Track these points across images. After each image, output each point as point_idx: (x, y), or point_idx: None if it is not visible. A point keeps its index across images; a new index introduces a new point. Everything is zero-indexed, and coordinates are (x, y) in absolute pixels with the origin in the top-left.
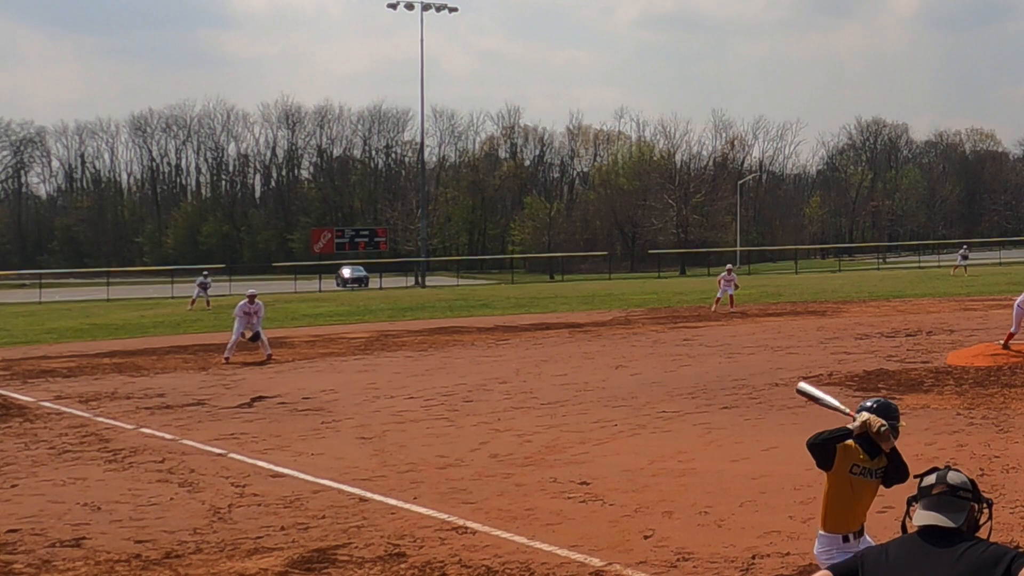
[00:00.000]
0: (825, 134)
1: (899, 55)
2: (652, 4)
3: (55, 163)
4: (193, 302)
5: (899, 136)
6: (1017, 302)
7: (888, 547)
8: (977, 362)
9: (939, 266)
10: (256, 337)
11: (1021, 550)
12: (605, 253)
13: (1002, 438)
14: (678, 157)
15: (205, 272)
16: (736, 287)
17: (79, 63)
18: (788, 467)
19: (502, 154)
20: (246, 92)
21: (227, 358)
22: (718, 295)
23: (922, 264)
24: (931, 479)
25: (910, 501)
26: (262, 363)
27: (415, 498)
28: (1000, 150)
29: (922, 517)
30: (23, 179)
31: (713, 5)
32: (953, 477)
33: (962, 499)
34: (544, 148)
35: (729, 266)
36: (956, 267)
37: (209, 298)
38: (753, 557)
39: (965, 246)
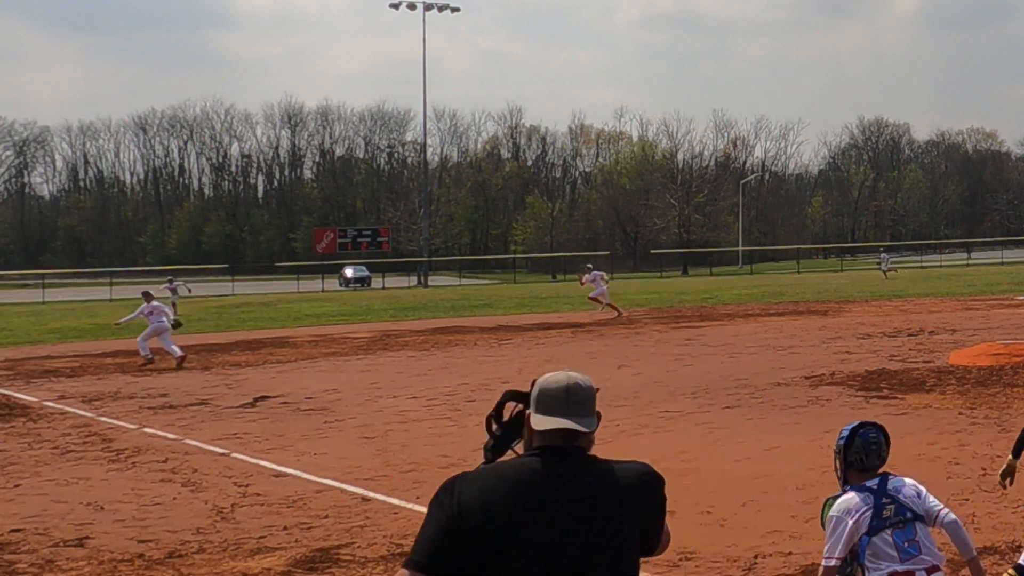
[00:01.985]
0: (827, 134)
1: (900, 55)
2: (653, 4)
3: (58, 163)
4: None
5: (901, 136)
6: None
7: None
8: (979, 362)
9: (941, 266)
10: (177, 326)
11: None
12: (607, 253)
13: (1004, 437)
14: (680, 157)
15: (171, 278)
16: (606, 283)
17: (83, 63)
18: (790, 467)
19: (504, 154)
20: (248, 92)
21: (148, 358)
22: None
23: (924, 264)
24: (556, 377)
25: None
26: (175, 368)
27: (418, 498)
28: (1002, 150)
29: (548, 422)
30: (26, 179)
31: (714, 5)
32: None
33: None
34: (546, 148)
35: (589, 265)
36: (887, 271)
37: (176, 300)
38: (756, 557)
39: (883, 250)
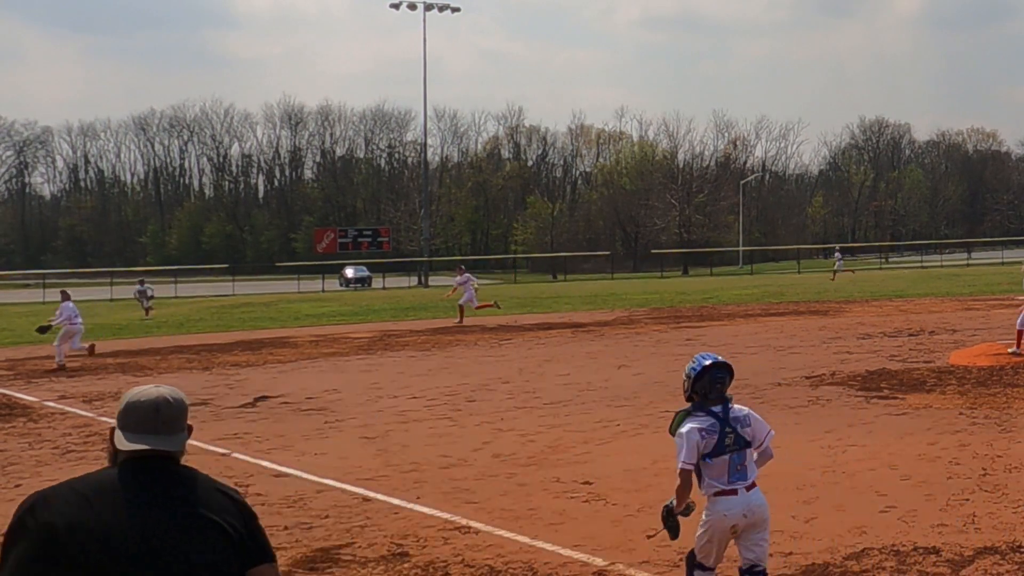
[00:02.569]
0: (827, 134)
1: (901, 55)
2: (653, 4)
3: (59, 163)
4: (148, 311)
5: (901, 136)
6: None
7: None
8: (980, 362)
9: (941, 266)
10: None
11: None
12: (608, 253)
13: (1005, 438)
14: (680, 157)
15: (142, 279)
16: (475, 288)
17: (83, 63)
18: (790, 467)
19: (505, 154)
20: (248, 92)
21: (60, 364)
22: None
23: (924, 264)
24: (145, 392)
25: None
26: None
27: (418, 498)
28: (1002, 150)
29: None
30: (27, 179)
31: (714, 5)
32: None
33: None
34: (546, 148)
35: (462, 267)
36: (837, 271)
37: (148, 306)
38: None
39: (837, 249)
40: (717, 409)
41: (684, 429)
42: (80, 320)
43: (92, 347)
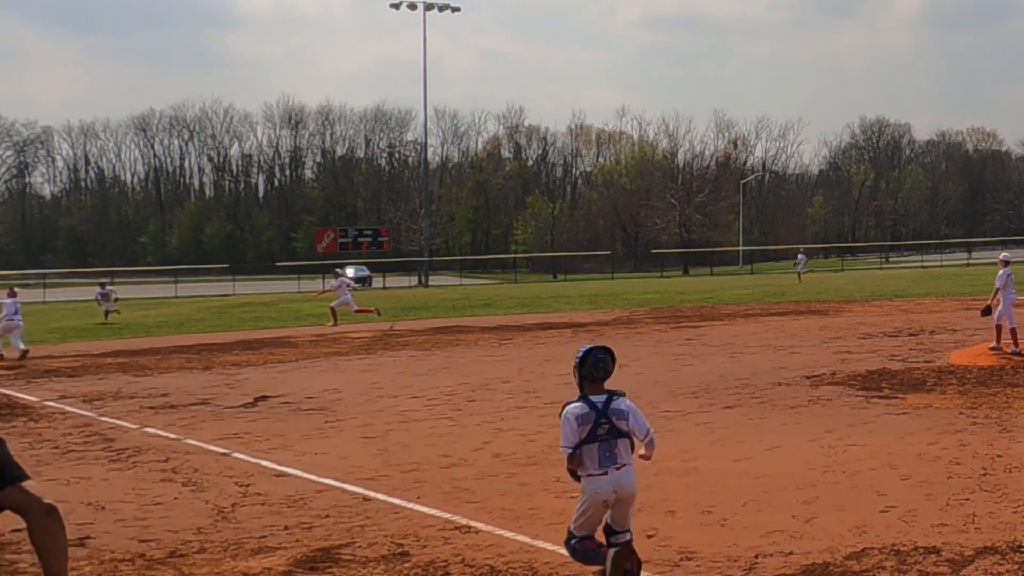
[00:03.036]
0: (827, 134)
1: (901, 55)
2: (653, 4)
3: (59, 163)
4: (107, 314)
5: (902, 136)
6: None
7: None
8: (980, 361)
9: (941, 266)
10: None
11: None
12: (608, 253)
13: (1005, 437)
14: (680, 157)
15: (103, 283)
16: (350, 291)
17: (84, 63)
18: (791, 466)
19: (505, 154)
20: (249, 92)
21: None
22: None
23: (925, 264)
24: None
25: None
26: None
27: (418, 497)
28: (1002, 149)
29: None
30: (27, 179)
31: (714, 6)
32: None
33: None
34: (547, 148)
35: (338, 270)
36: (802, 272)
37: (110, 310)
38: (756, 556)
39: (801, 250)
40: (598, 400)
41: (564, 414)
42: (19, 318)
43: (26, 352)
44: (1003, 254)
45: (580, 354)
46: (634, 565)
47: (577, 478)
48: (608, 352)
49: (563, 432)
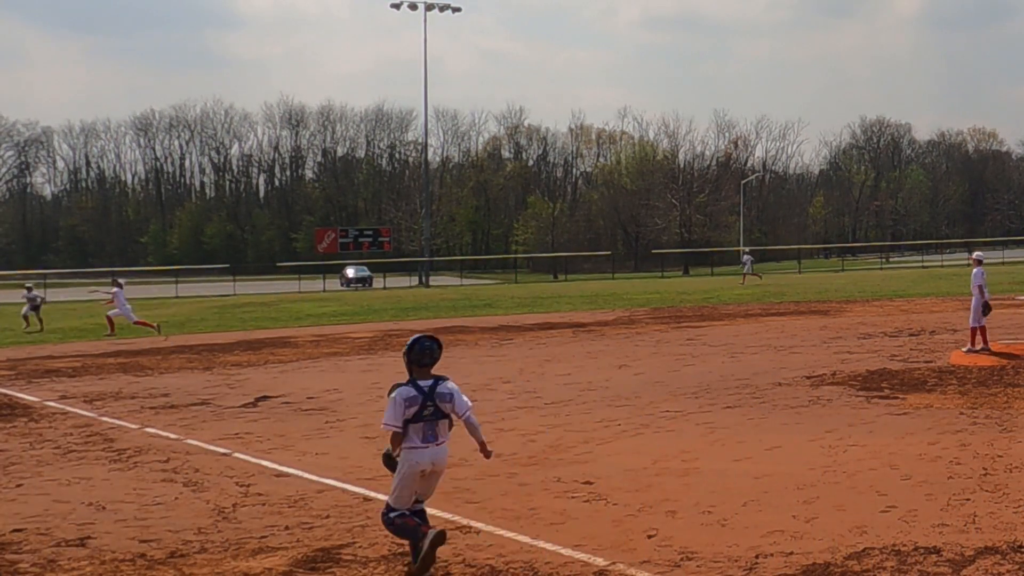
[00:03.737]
0: (828, 134)
1: (901, 55)
2: (653, 4)
3: (60, 163)
4: (26, 320)
5: (902, 136)
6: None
7: None
8: (980, 362)
9: (942, 266)
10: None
11: None
12: (608, 253)
13: (1005, 437)
14: (681, 157)
15: (29, 285)
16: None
17: (85, 64)
18: (791, 466)
19: (505, 154)
20: (249, 92)
21: None
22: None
23: (925, 264)
24: None
25: None
26: None
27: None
28: (1003, 149)
29: None
30: (28, 179)
31: (714, 6)
32: None
33: None
34: (547, 148)
35: (118, 279)
36: (744, 275)
37: (27, 314)
38: (756, 556)
39: (746, 251)
40: (425, 384)
41: (393, 396)
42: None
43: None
44: (976, 253)
45: (409, 342)
46: (425, 531)
47: (390, 461)
48: (435, 340)
49: (390, 411)
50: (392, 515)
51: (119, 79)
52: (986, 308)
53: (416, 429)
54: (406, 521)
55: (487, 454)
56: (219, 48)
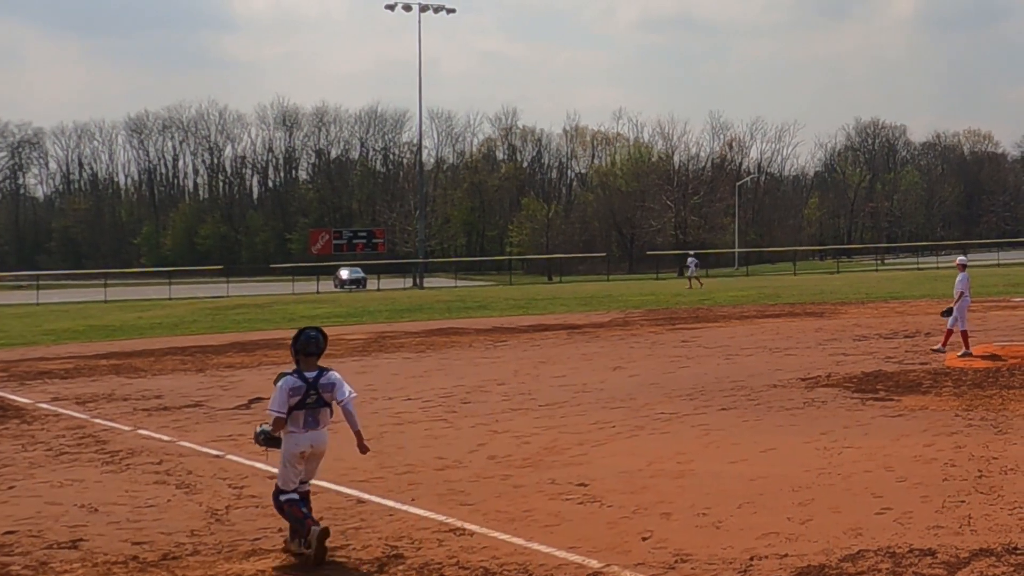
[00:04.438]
0: (823, 135)
1: (897, 57)
2: (651, 6)
3: (52, 164)
4: None
5: (897, 137)
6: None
7: None
8: (975, 364)
9: (937, 267)
10: None
11: None
12: (603, 254)
13: (1000, 439)
14: (676, 158)
15: None
16: None
17: (82, 65)
18: (786, 468)
19: (500, 155)
20: (244, 94)
21: None
22: None
23: (921, 265)
24: None
25: None
26: None
27: (413, 500)
28: (998, 151)
29: None
30: (21, 180)
31: (712, 7)
32: None
33: None
34: (542, 149)
35: None
36: (690, 279)
37: None
38: (751, 559)
39: (691, 254)
40: (310, 374)
41: (279, 384)
42: None
43: None
44: (960, 258)
45: (295, 333)
46: (308, 510)
47: (272, 442)
48: (320, 331)
49: (275, 398)
50: (282, 498)
51: (116, 80)
52: (948, 311)
53: (299, 416)
54: (294, 511)
55: (363, 449)
56: (216, 50)
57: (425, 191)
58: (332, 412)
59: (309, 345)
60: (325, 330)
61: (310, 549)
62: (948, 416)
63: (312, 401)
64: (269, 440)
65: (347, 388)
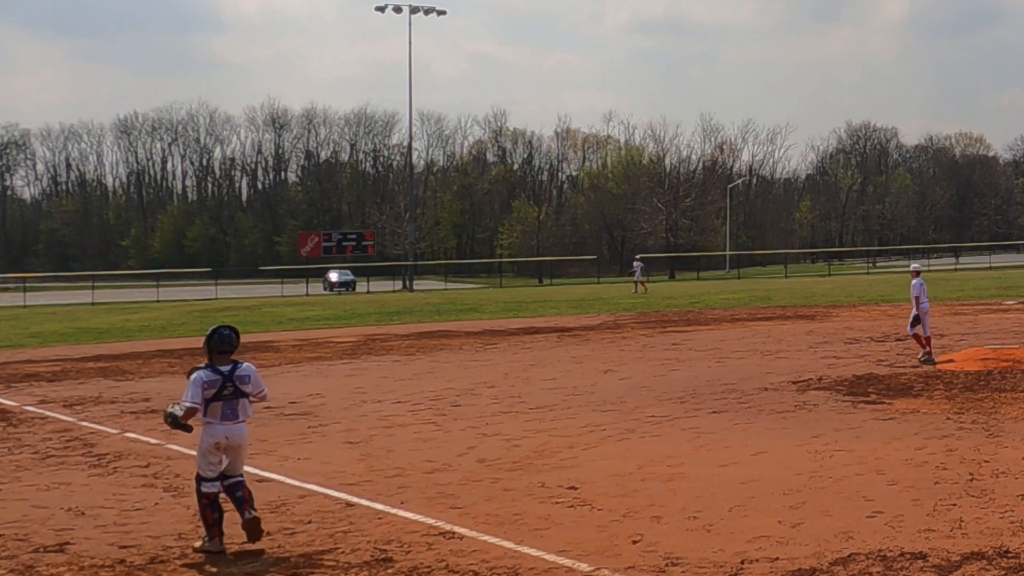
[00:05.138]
0: (815, 138)
1: (889, 60)
2: (642, 10)
3: (40, 166)
4: None
5: (889, 140)
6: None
7: None
8: (967, 366)
9: (929, 271)
10: None
11: None
12: (594, 257)
13: (992, 442)
14: (667, 161)
15: None
16: None
17: (70, 67)
18: (777, 471)
19: (490, 158)
20: (233, 96)
21: None
22: None
23: None
24: None
25: None
26: None
27: (402, 503)
28: (990, 154)
29: None
30: (8, 182)
31: (703, 11)
32: None
33: None
34: (532, 152)
35: None
36: (637, 283)
37: None
38: (742, 562)
39: (637, 257)
40: (225, 368)
41: (193, 377)
42: None
43: None
44: (913, 264)
45: (209, 332)
46: (245, 495)
47: (179, 426)
48: (232, 329)
49: (190, 391)
50: (203, 488)
51: (104, 82)
52: (916, 320)
53: (217, 407)
54: (206, 514)
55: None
56: (204, 52)
57: (415, 193)
58: (250, 404)
59: (223, 344)
60: (214, 331)
61: (215, 551)
62: (939, 419)
63: (229, 393)
64: (176, 423)
65: (262, 383)
